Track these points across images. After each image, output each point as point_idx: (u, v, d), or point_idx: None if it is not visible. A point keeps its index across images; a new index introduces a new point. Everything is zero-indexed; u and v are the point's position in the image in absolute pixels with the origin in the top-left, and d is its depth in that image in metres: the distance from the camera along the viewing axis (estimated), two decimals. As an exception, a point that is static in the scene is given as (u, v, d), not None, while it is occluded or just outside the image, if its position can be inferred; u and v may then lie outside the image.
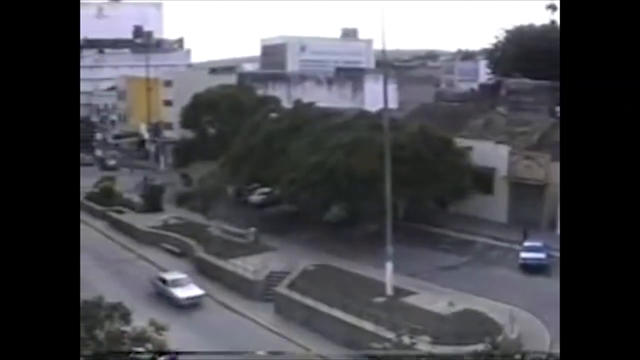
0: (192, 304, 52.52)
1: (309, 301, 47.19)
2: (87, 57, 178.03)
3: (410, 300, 46.03)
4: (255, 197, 78.95)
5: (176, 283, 54.43)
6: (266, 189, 76.90)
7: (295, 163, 60.48)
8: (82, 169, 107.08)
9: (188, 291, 53.63)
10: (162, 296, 54.06)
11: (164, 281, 55.10)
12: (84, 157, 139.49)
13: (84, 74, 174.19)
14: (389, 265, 47.01)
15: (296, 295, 48.73)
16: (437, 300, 45.36)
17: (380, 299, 46.21)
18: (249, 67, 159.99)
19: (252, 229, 64.20)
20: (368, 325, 41.67)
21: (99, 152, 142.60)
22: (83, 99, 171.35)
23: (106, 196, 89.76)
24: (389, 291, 46.97)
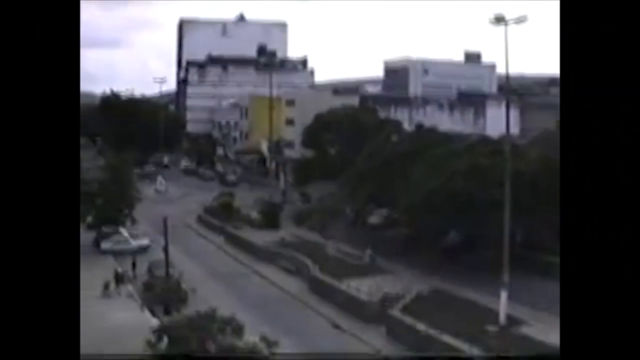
0: None
1: (420, 326, 47.43)
2: (211, 74, 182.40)
3: (523, 330, 45.74)
4: (373, 219, 79.37)
5: None
6: (384, 212, 77.44)
7: (414, 187, 60.80)
8: (202, 183, 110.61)
9: None
10: None
11: None
12: (204, 171, 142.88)
13: (207, 90, 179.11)
14: (504, 294, 46.93)
15: (408, 319, 48.97)
16: (550, 332, 44.90)
17: (492, 328, 46.10)
18: (371, 89, 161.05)
19: (369, 251, 64.69)
20: (477, 353, 41.73)
21: (219, 168, 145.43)
22: (205, 115, 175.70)
23: (225, 211, 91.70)
24: (502, 320, 46.83)
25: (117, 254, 72.06)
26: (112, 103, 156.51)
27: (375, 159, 71.60)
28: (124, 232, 78.10)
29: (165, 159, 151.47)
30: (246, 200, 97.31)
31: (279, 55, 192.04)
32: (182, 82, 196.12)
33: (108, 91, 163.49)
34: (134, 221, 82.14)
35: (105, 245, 75.10)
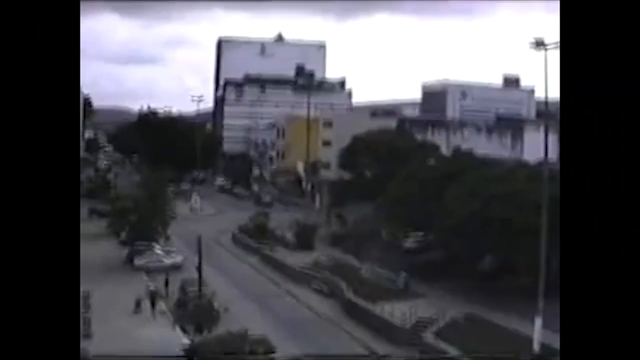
0: None
1: (453, 351, 47.25)
2: (248, 94, 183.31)
3: (556, 358, 45.47)
4: (408, 243, 79.30)
5: None
6: (420, 235, 77.29)
7: (450, 211, 60.69)
8: (237, 202, 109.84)
9: None
10: None
11: None
12: (239, 191, 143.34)
13: (244, 109, 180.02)
14: (539, 321, 46.67)
15: (442, 344, 48.82)
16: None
17: (526, 355, 45.84)
18: (408, 111, 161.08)
19: (403, 274, 64.56)
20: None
21: (255, 188, 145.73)
22: (242, 134, 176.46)
23: (259, 231, 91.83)
24: (536, 347, 46.54)
25: (150, 271, 72.37)
26: (149, 120, 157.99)
27: (411, 182, 71.56)
28: (157, 249, 78.45)
29: (201, 175, 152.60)
30: (281, 221, 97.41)
31: (317, 75, 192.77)
32: (219, 101, 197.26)
33: (145, 108, 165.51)
34: (167, 239, 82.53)
35: (138, 261, 75.45)
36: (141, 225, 79.81)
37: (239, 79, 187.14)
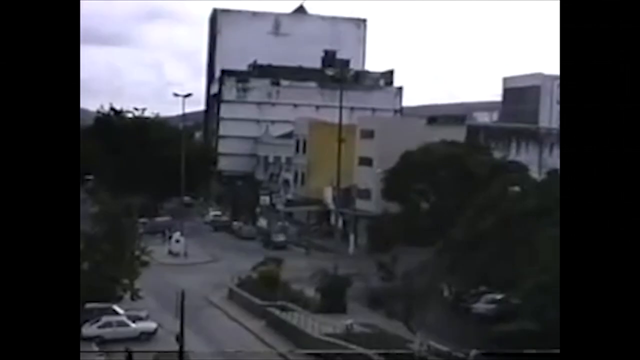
0: None
1: None
2: (255, 89, 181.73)
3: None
4: (481, 306, 78.50)
5: None
6: (498, 295, 76.54)
7: (544, 261, 59.90)
8: (237, 243, 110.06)
9: None
10: None
11: None
12: (241, 227, 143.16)
13: (249, 111, 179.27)
14: None
15: None
16: None
17: None
18: (483, 117, 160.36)
19: (473, 352, 63.80)
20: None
21: (263, 223, 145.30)
22: (247, 147, 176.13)
23: (268, 285, 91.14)
24: None
25: (106, 343, 71.43)
26: (112, 125, 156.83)
27: (487, 219, 70.97)
28: (119, 311, 77.49)
29: (186, 203, 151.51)
30: (299, 270, 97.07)
31: (353, 65, 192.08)
32: (213, 100, 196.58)
33: (107, 107, 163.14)
34: (134, 295, 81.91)
35: (89, 329, 73.90)
36: (96, 276, 78.83)
37: (242, 68, 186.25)
